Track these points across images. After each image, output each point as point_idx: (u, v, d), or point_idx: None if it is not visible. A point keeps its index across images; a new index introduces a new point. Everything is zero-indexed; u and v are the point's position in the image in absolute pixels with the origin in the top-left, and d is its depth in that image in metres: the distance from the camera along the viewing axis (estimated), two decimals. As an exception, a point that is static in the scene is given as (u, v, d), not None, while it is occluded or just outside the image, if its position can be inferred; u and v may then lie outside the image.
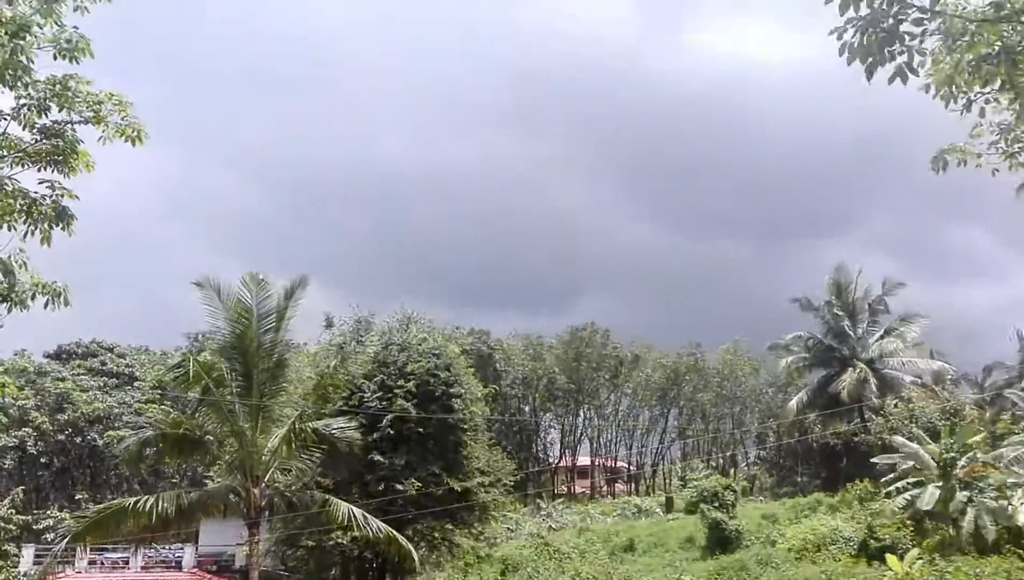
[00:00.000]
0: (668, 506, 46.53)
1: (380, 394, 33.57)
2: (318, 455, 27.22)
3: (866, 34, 6.98)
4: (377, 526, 24.34)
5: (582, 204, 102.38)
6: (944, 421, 36.52)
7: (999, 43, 7.68)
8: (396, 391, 33.39)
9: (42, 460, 45.80)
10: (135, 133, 9.60)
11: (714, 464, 61.02)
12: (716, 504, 35.12)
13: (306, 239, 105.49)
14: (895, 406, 41.15)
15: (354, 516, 23.98)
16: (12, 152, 9.35)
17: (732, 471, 57.71)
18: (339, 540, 29.87)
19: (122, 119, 9.57)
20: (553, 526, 41.91)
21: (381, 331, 39.48)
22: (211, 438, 26.00)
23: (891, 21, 6.92)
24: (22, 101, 9.15)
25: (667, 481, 63.74)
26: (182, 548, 38.62)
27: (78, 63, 9.10)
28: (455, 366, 35.42)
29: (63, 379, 48.17)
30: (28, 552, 36.46)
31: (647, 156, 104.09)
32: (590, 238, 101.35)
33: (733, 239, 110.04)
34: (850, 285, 46.86)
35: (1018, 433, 33.33)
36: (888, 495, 31.16)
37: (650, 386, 64.30)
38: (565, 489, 63.96)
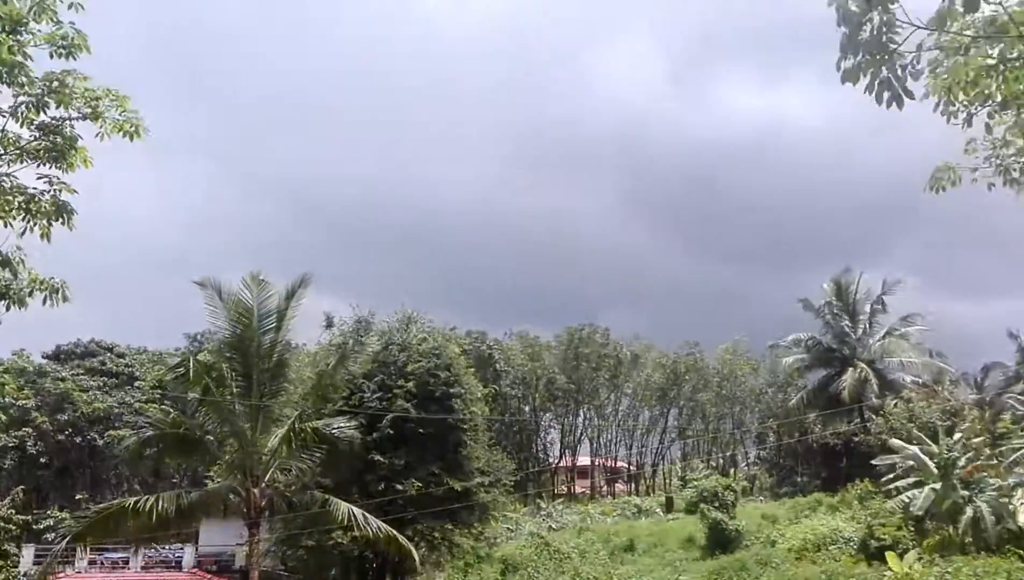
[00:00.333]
0: (668, 506, 46.53)
1: (380, 394, 33.59)
2: (318, 455, 27.22)
3: (863, 56, 6.99)
4: (377, 526, 24.32)
5: (621, 241, 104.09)
6: (944, 421, 36.51)
7: (994, 58, 7.70)
8: (396, 391, 33.40)
9: (42, 460, 45.80)
10: (133, 128, 9.57)
11: (714, 464, 61.03)
12: (716, 504, 35.13)
13: (345, 266, 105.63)
14: (895, 406, 41.14)
15: (354, 516, 23.97)
16: (10, 149, 9.34)
17: (732, 471, 57.66)
18: (339, 540, 29.86)
19: (120, 114, 9.55)
20: (553, 526, 41.91)
21: (381, 331, 39.49)
22: (211, 438, 26.02)
23: (885, 39, 6.93)
24: (20, 98, 9.14)
25: (667, 481, 63.74)
26: (182, 548, 38.61)
27: (75, 59, 9.10)
28: (455, 366, 35.43)
29: (63, 379, 48.15)
30: (28, 552, 36.44)
31: (682, 196, 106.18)
32: (622, 267, 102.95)
33: (759, 268, 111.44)
34: (851, 286, 46.90)
35: (1018, 433, 33.31)
36: (888, 495, 31.15)
37: (650, 386, 64.29)
38: (565, 489, 63.94)
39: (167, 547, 38.57)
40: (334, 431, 25.81)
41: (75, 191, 9.65)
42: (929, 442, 31.11)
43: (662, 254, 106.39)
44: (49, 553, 34.01)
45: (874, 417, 41.61)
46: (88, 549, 32.27)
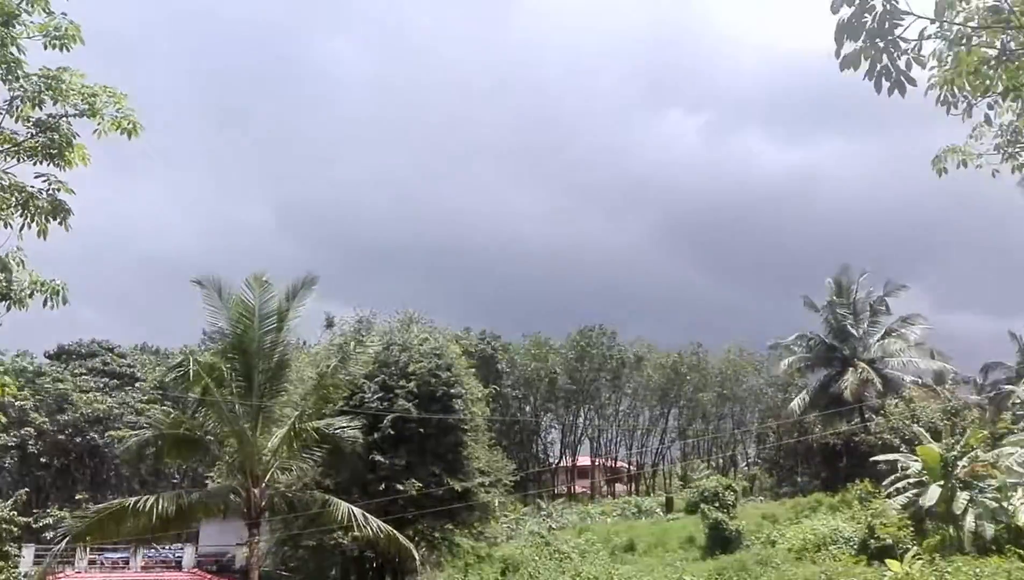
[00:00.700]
0: (668, 506, 46.52)
1: (381, 394, 33.58)
2: (319, 455, 27.24)
3: (864, 43, 6.96)
4: (377, 526, 24.32)
5: (653, 271, 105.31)
6: (945, 421, 36.52)
7: (997, 48, 7.69)
8: (397, 391, 33.40)
9: (42, 460, 45.81)
10: (130, 126, 9.55)
11: (714, 464, 61.02)
12: (716, 504, 35.11)
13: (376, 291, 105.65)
14: (896, 406, 41.14)
15: (354, 516, 23.95)
16: (6, 146, 9.31)
17: (732, 471, 57.66)
18: (339, 540, 29.88)
19: (117, 112, 9.53)
20: (553, 526, 41.89)
21: (382, 331, 39.47)
22: (211, 438, 26.01)
23: (887, 26, 6.90)
24: (15, 94, 9.12)
25: (667, 481, 63.67)
26: (182, 548, 38.63)
27: (68, 51, 9.07)
28: (456, 366, 35.44)
29: (63, 379, 48.18)
30: (28, 552, 36.44)
31: (718, 233, 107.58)
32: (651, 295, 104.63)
33: (775, 293, 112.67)
34: (852, 286, 46.87)
35: (1018, 433, 33.29)
36: (888, 495, 31.15)
37: (651, 386, 64.27)
38: (565, 489, 63.94)
39: (167, 547, 38.59)
40: (335, 431, 25.82)
41: (72, 191, 9.64)
42: (931, 440, 31.12)
43: (685, 283, 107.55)
44: (49, 553, 34.07)
45: (875, 417, 41.62)
46: (88, 549, 32.30)
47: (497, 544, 36.60)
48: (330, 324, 43.51)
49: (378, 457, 32.11)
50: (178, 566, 37.67)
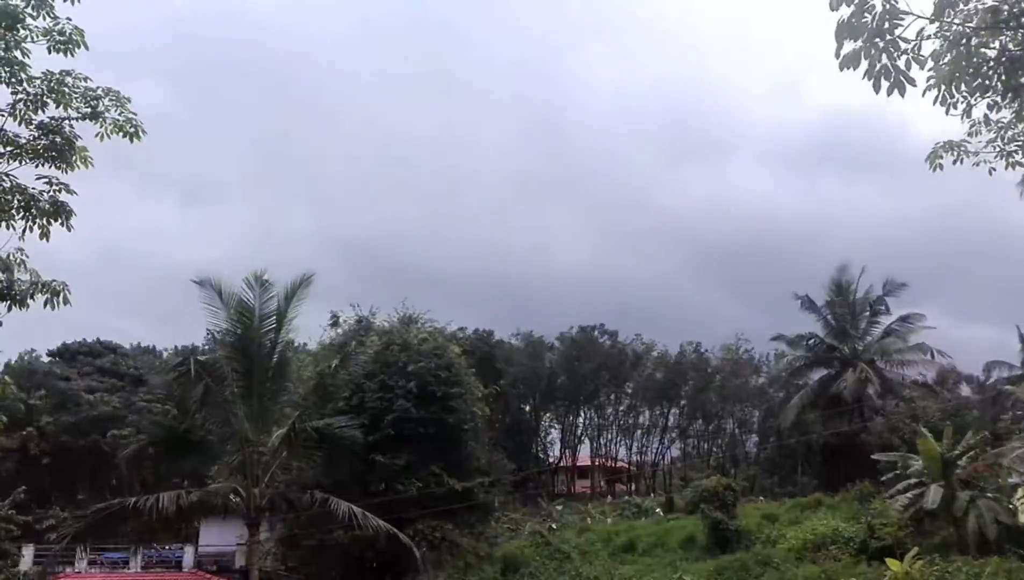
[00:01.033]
0: (668, 506, 46.46)
1: (381, 394, 33.60)
2: (319, 455, 27.27)
3: (863, 43, 6.95)
4: (377, 525, 24.36)
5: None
6: (945, 421, 36.48)
7: (996, 48, 7.70)
8: (397, 391, 33.42)
9: (43, 460, 45.75)
10: (133, 129, 9.57)
11: (714, 464, 60.98)
12: (716, 504, 35.08)
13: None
14: (896, 406, 41.10)
15: (355, 515, 24.00)
16: (9, 148, 9.33)
17: (732, 471, 57.64)
18: (340, 540, 29.89)
19: (119, 115, 9.55)
20: (553, 526, 41.86)
21: (382, 331, 39.46)
22: (212, 438, 26.03)
23: (887, 26, 6.90)
24: (18, 96, 9.14)
25: (667, 481, 63.63)
26: (182, 548, 38.63)
27: (72, 55, 9.09)
28: (456, 366, 35.44)
29: (66, 379, 48.19)
30: (28, 552, 36.45)
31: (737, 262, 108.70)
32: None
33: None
34: (851, 285, 46.81)
35: (1018, 433, 33.31)
36: (888, 495, 31.14)
37: (651, 385, 64.21)
38: (565, 489, 63.91)
39: (167, 547, 38.60)
40: (335, 431, 25.85)
41: (74, 192, 9.66)
42: (931, 438, 31.09)
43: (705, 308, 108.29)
44: (49, 553, 34.10)
45: (875, 417, 41.59)
46: (88, 549, 32.28)
47: (497, 544, 36.58)
48: (335, 322, 43.46)
49: (378, 457, 32.13)
50: (178, 566, 37.66)
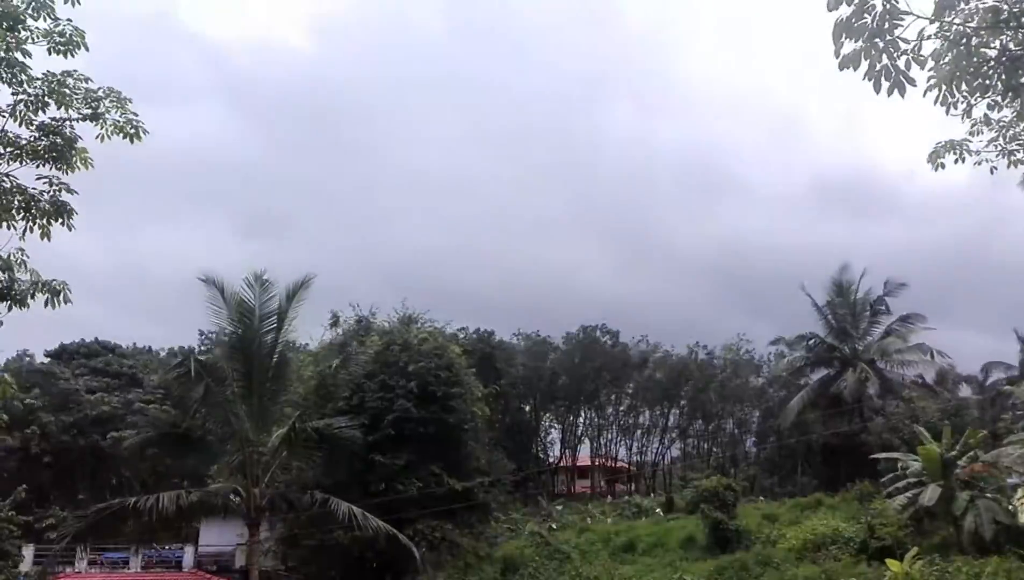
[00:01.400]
0: (668, 506, 46.47)
1: (381, 394, 33.61)
2: (319, 455, 27.27)
3: (863, 43, 6.95)
4: (377, 525, 24.36)
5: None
6: (944, 421, 36.48)
7: (996, 48, 7.70)
8: (397, 391, 33.43)
9: (44, 460, 45.73)
10: (133, 130, 9.58)
11: (714, 464, 60.97)
12: (716, 504, 35.09)
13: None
14: (896, 406, 41.12)
15: (354, 515, 24.00)
16: (9, 149, 9.35)
17: (732, 471, 57.63)
18: (340, 540, 29.89)
19: (120, 116, 9.56)
20: (553, 526, 41.87)
21: (382, 330, 39.47)
22: (212, 438, 26.04)
23: (887, 26, 6.90)
24: (19, 97, 9.15)
25: (667, 481, 63.63)
26: (182, 548, 38.61)
27: (73, 56, 9.10)
28: (456, 366, 35.45)
29: (66, 379, 48.16)
30: (28, 552, 36.44)
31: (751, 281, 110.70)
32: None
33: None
34: (852, 285, 46.80)
35: (1018, 433, 33.29)
36: (888, 495, 31.15)
37: (652, 385, 64.18)
38: (565, 489, 63.90)
39: (167, 547, 38.58)
40: (335, 431, 25.86)
41: (75, 192, 9.67)
42: (931, 439, 31.11)
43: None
44: (49, 553, 34.10)
45: (875, 417, 41.60)
46: (88, 549, 32.27)
47: (497, 544, 36.59)
48: (335, 322, 43.46)
49: (378, 457, 32.13)
50: (178, 566, 37.66)
